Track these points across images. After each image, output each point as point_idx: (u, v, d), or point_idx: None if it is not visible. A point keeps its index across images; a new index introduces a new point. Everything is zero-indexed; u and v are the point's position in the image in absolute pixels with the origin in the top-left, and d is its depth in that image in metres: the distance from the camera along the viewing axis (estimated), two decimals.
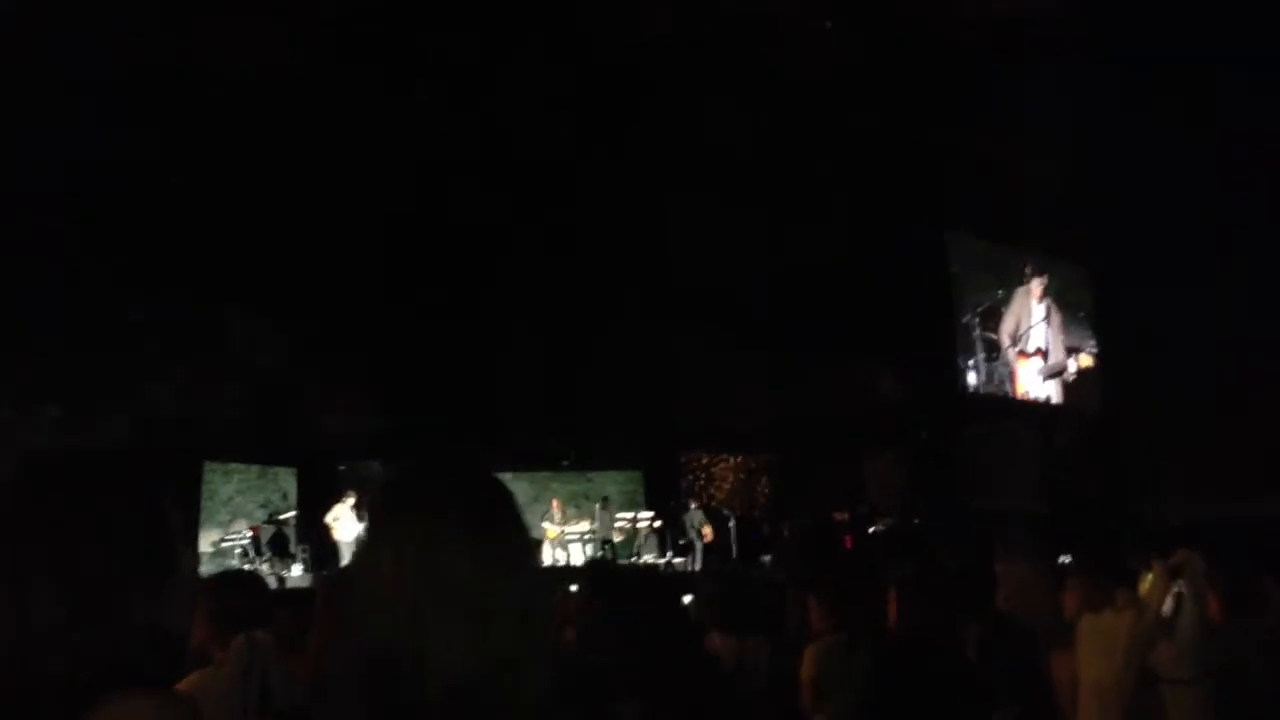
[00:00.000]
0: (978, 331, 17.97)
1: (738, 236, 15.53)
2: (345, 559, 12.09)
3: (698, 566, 14.19)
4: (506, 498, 1.32)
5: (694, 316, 16.07)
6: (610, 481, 16.20)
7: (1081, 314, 19.48)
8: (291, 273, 14.36)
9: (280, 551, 12.44)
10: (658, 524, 15.29)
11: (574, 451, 15.56)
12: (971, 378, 17.84)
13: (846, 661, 4.38)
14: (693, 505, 15.51)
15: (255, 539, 12.68)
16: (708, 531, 14.98)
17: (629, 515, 15.38)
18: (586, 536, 14.55)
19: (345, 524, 13.34)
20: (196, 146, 12.18)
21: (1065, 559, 6.63)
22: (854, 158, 15.86)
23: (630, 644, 1.50)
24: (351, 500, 13.86)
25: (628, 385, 15.93)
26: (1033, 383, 18.58)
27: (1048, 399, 18.74)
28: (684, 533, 15.02)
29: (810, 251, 15.38)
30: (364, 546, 1.29)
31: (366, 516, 1.34)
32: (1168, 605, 1.66)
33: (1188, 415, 16.48)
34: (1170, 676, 1.57)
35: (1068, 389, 18.95)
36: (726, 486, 17.39)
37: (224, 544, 12.68)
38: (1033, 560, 4.50)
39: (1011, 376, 18.37)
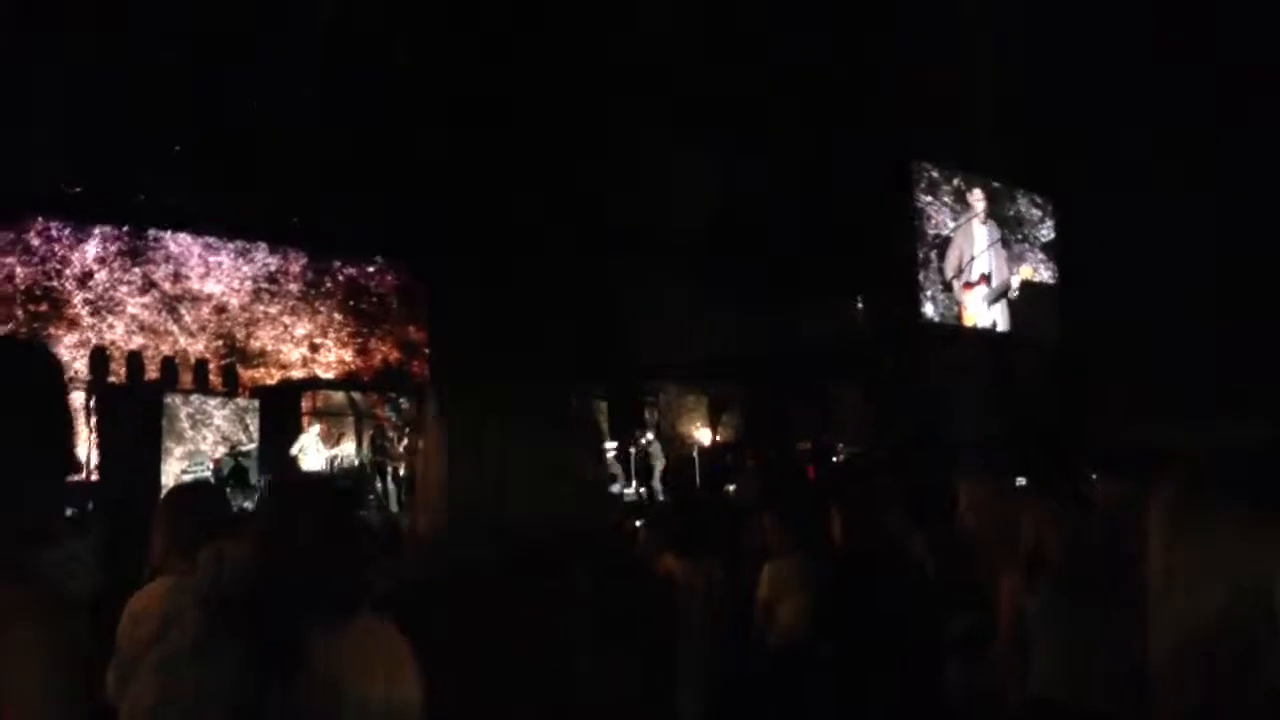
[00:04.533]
0: (935, 263, 18.06)
1: (705, 171, 15.48)
2: None
3: (659, 495, 14.31)
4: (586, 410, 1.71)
5: (664, 252, 16.08)
6: None
7: (1032, 243, 19.57)
8: None
9: (241, 484, 12.35)
10: (614, 452, 15.44)
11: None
12: (929, 308, 17.91)
13: (801, 581, 4.43)
14: (651, 435, 15.67)
15: (216, 471, 12.59)
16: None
17: None
18: None
19: (311, 454, 13.21)
20: None
21: (1021, 482, 6.71)
22: (819, 90, 15.79)
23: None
24: (317, 429, 13.72)
25: (595, 320, 15.96)
26: (979, 309, 18.56)
27: (993, 324, 18.75)
28: (646, 461, 15.16)
29: (778, 186, 15.38)
30: (459, 438, 1.56)
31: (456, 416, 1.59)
32: None
33: (1143, 342, 16.71)
34: None
35: (1013, 310, 18.93)
36: (692, 418, 17.49)
37: (184, 476, 12.59)
38: (991, 482, 4.53)
39: (959, 307, 18.43)
